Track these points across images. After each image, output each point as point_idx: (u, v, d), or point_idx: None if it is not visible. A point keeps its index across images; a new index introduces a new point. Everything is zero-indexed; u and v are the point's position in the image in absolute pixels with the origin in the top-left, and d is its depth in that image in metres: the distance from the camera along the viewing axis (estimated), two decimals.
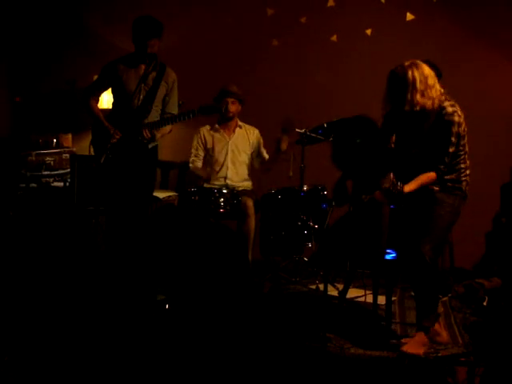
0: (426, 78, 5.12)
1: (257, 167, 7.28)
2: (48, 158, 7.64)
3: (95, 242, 6.66)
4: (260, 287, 6.62)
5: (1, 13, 8.04)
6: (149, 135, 6.09)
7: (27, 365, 4.55)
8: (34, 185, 7.48)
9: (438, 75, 6.40)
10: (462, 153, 5.21)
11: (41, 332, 5.08)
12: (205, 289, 5.91)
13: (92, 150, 6.33)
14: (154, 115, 6.21)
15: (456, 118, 5.11)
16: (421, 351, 5.10)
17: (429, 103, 5.11)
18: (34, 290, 5.99)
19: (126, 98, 6.15)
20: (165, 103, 6.28)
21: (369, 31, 7.74)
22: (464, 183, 5.25)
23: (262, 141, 7.32)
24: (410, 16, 7.61)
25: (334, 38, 7.84)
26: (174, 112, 6.31)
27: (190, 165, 7.21)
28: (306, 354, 5.03)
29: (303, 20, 7.92)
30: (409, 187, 5.05)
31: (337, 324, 5.53)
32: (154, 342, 4.98)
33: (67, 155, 7.72)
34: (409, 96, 5.09)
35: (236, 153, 7.22)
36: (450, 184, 5.21)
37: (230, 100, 7.08)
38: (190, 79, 7.42)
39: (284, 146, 6.92)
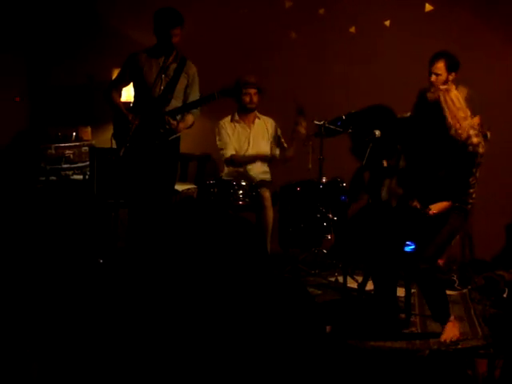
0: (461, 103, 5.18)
1: (278, 157, 7.28)
2: (67, 151, 7.67)
3: (115, 235, 6.68)
4: (279, 280, 6.62)
5: (21, 7, 8.07)
6: (173, 122, 6.13)
7: (48, 357, 4.58)
8: (53, 178, 7.51)
9: (456, 66, 6.42)
10: (474, 180, 5.29)
11: (58, 325, 5.11)
12: (223, 281, 5.92)
13: (114, 143, 6.37)
14: (174, 105, 6.25)
15: (481, 150, 5.16)
16: (457, 334, 5.21)
17: (464, 134, 5.14)
18: (54, 283, 6.02)
19: (147, 89, 6.21)
20: (186, 95, 6.33)
21: (387, 22, 7.70)
22: (470, 206, 5.35)
23: (279, 130, 7.33)
24: (428, 7, 7.56)
25: (353, 29, 7.81)
26: None
27: (225, 156, 7.20)
28: (325, 346, 5.03)
29: (321, 11, 7.89)
30: (431, 212, 5.13)
31: (356, 316, 5.53)
32: (170, 334, 5.00)
33: (86, 148, 7.74)
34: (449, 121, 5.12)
35: (257, 143, 7.23)
36: (457, 204, 5.26)
37: (252, 91, 7.08)
38: (207, 71, 7.40)
39: (302, 129, 6.92)
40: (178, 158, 6.70)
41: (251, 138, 7.23)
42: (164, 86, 6.20)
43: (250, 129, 7.25)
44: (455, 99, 5.15)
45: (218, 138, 7.24)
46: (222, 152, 7.24)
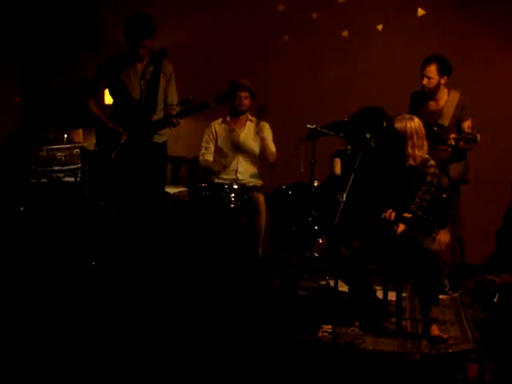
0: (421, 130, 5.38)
1: (258, 156, 7.29)
2: (59, 154, 7.66)
3: (106, 237, 6.67)
4: (270, 283, 6.61)
5: (15, 10, 8.06)
6: (180, 120, 6.10)
7: (38, 359, 4.57)
8: (44, 180, 7.49)
9: (448, 70, 6.43)
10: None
11: (50, 327, 5.10)
12: (215, 284, 5.92)
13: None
14: (158, 109, 6.20)
15: (437, 172, 5.44)
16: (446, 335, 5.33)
17: (418, 160, 5.39)
18: (45, 286, 6.00)
19: (127, 96, 6.15)
20: (165, 95, 6.28)
21: (380, 27, 7.71)
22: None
23: (271, 134, 7.31)
24: (421, 11, 7.58)
25: (346, 33, 7.83)
26: (174, 102, 6.30)
27: (201, 157, 7.25)
28: (316, 350, 5.03)
29: (314, 16, 7.90)
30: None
31: (347, 320, 5.53)
32: (161, 338, 4.99)
33: (78, 150, 7.73)
34: (409, 150, 5.33)
35: (247, 146, 7.22)
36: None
37: (243, 94, 7.07)
38: (201, 75, 7.44)
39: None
40: (167, 161, 6.67)
41: (240, 140, 7.21)
42: (145, 93, 6.12)
43: (241, 131, 7.24)
44: (418, 128, 5.34)
45: (204, 135, 7.30)
46: (201, 152, 7.30)
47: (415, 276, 5.39)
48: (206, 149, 7.27)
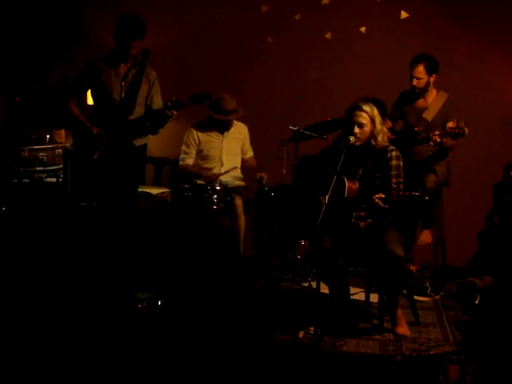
0: None
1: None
2: (41, 154, 7.62)
3: (88, 237, 6.65)
4: (252, 284, 6.61)
5: None
6: (174, 112, 6.05)
7: (20, 361, 4.55)
8: (26, 180, 7.46)
9: (436, 67, 6.45)
10: None
11: (33, 328, 5.07)
12: (197, 285, 5.91)
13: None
14: (138, 112, 6.15)
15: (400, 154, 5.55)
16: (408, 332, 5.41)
17: None
18: (27, 286, 5.97)
19: (107, 98, 6.10)
20: (151, 102, 6.22)
21: (363, 29, 7.73)
22: None
23: (248, 137, 7.33)
24: (404, 14, 7.61)
25: (329, 35, 7.84)
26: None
27: (181, 162, 7.20)
28: (298, 352, 5.03)
29: (297, 17, 7.91)
30: None
31: (329, 322, 5.53)
32: (145, 339, 4.97)
33: (60, 151, 7.70)
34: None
35: (231, 149, 7.22)
36: None
37: (233, 117, 7.08)
38: (183, 76, 7.42)
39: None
40: (144, 163, 6.61)
41: (224, 143, 7.20)
42: (124, 93, 6.09)
43: (224, 135, 7.21)
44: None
45: (184, 139, 7.25)
46: (181, 156, 7.27)
47: (378, 276, 5.42)
48: (186, 153, 7.23)
